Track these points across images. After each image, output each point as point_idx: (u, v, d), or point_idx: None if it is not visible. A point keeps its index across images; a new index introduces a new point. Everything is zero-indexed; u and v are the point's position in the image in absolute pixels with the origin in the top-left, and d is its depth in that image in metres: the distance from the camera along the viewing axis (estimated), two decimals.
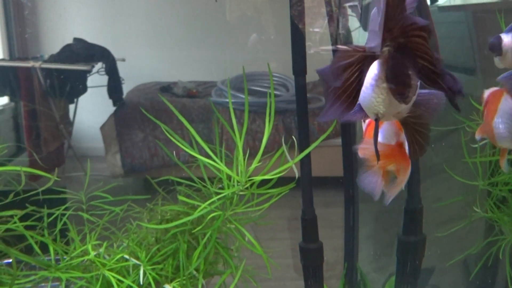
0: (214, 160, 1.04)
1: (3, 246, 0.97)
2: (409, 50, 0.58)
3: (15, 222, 1.02)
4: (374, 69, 0.64)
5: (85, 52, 3.09)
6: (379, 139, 0.89)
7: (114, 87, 3.23)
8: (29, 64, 2.94)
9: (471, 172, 1.27)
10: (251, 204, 1.10)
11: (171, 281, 1.11)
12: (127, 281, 1.04)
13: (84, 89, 3.23)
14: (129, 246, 1.13)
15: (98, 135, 3.28)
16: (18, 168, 0.86)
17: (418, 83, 0.64)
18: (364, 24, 1.48)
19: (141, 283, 1.05)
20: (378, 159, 0.78)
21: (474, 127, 1.22)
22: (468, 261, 1.63)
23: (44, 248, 1.08)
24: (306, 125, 1.35)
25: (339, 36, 1.49)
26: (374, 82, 0.64)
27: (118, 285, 1.02)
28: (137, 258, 1.08)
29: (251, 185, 1.05)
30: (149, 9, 3.75)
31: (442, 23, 1.95)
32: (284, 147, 1.06)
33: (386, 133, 0.90)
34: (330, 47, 1.53)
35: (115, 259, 1.06)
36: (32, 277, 1.03)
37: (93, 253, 1.06)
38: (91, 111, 3.42)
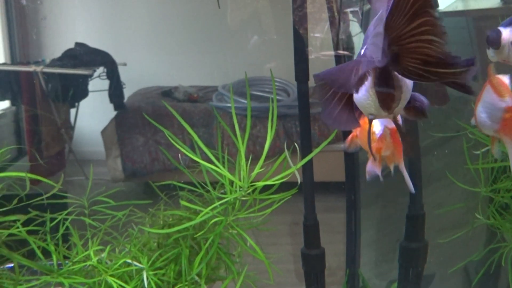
0: (216, 165, 1.04)
1: (5, 250, 0.97)
2: (408, 53, 0.59)
3: (18, 227, 1.01)
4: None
5: (86, 57, 3.09)
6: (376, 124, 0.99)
7: (115, 92, 3.24)
8: (31, 68, 2.95)
9: (473, 178, 1.27)
10: (253, 210, 1.10)
11: (173, 287, 1.11)
12: (129, 287, 1.04)
13: (85, 93, 3.24)
14: (131, 251, 1.13)
15: (99, 139, 3.28)
16: (23, 174, 0.86)
17: (411, 86, 0.66)
18: (365, 29, 1.48)
19: None
20: (371, 152, 0.85)
21: (476, 133, 1.22)
22: (469, 268, 1.62)
23: (46, 252, 1.08)
24: (308, 131, 1.35)
25: (340, 41, 1.49)
26: (367, 84, 0.65)
27: None
28: (139, 263, 1.08)
29: (253, 191, 1.05)
30: (150, 14, 3.76)
31: None
32: (286, 153, 1.07)
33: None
34: (332, 53, 1.54)
35: (118, 264, 1.06)
36: (34, 282, 1.03)
37: (95, 259, 1.05)
38: (92, 115, 3.42)
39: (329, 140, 1.06)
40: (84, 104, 3.32)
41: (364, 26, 1.50)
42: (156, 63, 3.78)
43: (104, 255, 1.08)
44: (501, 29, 0.90)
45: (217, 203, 1.04)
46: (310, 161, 1.29)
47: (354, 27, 1.60)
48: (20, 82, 3.01)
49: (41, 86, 2.97)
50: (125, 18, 3.71)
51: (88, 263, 1.06)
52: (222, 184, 1.11)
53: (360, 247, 1.64)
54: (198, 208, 1.07)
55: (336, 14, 1.46)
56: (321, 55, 1.73)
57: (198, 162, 1.05)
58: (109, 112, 3.28)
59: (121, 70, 3.25)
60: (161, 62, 3.78)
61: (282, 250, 1.54)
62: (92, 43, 3.17)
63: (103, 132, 3.29)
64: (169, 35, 3.76)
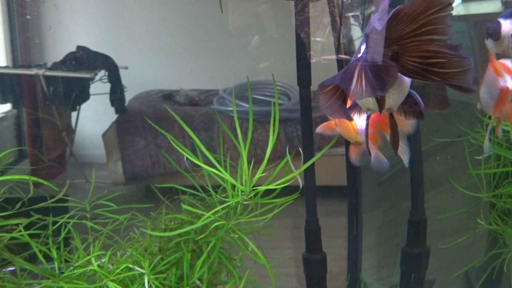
0: (218, 169, 1.04)
1: (7, 254, 0.96)
2: (408, 53, 0.60)
3: (20, 231, 1.01)
4: None
5: (88, 60, 3.10)
6: None
7: (116, 95, 3.24)
8: (32, 71, 2.95)
9: (475, 183, 1.27)
10: (255, 214, 1.09)
11: None
12: None
13: (86, 97, 3.24)
14: (133, 255, 1.12)
15: (100, 143, 3.28)
16: (26, 177, 0.86)
17: (409, 84, 0.67)
18: None
19: None
20: (367, 144, 0.88)
21: (478, 138, 1.22)
22: (470, 274, 1.61)
23: (48, 255, 1.08)
24: (310, 136, 1.35)
25: (341, 45, 1.49)
26: None
27: None
28: (141, 267, 1.07)
29: (255, 195, 1.05)
30: (152, 18, 3.76)
31: None
32: (288, 157, 1.06)
33: None
34: (333, 57, 1.54)
35: (120, 269, 1.06)
36: (36, 287, 1.02)
37: (96, 264, 1.05)
38: (93, 118, 3.42)
39: (331, 144, 1.06)
40: (85, 107, 3.32)
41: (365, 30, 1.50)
42: (157, 66, 3.78)
43: (105, 260, 1.07)
44: (501, 20, 0.91)
45: (219, 207, 1.03)
46: (312, 165, 1.29)
47: (356, 32, 1.60)
48: (22, 85, 3.01)
49: (43, 89, 2.98)
50: (127, 21, 3.72)
51: (90, 268, 1.05)
52: (224, 188, 1.10)
53: (361, 251, 1.64)
54: (200, 212, 1.07)
55: (337, 18, 1.47)
56: (323, 60, 1.74)
57: (199, 166, 1.05)
58: (110, 115, 3.28)
59: (122, 73, 3.26)
60: (162, 65, 3.78)
61: (283, 254, 1.53)
62: (94, 46, 3.18)
63: (104, 135, 3.29)
64: (170, 38, 3.77)
